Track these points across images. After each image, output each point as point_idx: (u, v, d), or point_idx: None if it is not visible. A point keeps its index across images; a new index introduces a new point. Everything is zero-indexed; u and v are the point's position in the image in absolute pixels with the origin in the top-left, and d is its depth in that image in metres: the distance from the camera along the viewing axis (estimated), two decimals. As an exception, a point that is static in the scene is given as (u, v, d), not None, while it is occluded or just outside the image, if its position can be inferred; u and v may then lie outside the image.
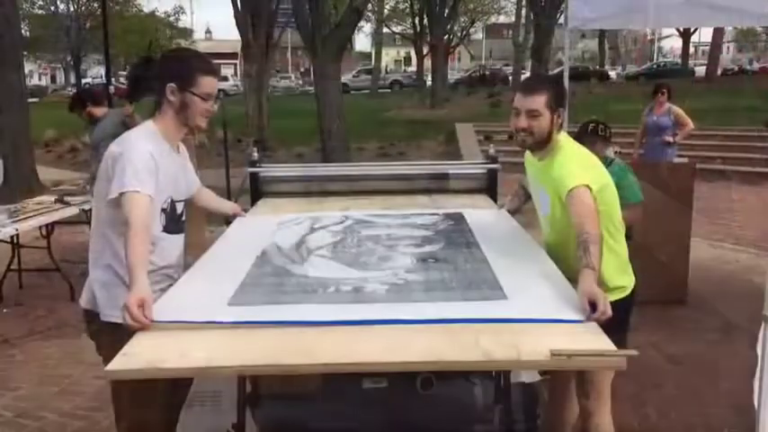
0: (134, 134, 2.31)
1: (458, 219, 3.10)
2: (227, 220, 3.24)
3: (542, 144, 2.46)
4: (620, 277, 2.57)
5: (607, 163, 3.51)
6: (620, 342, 2.08)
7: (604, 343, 1.67)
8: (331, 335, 1.73)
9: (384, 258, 2.49)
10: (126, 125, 5.27)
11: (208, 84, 2.30)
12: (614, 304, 2.33)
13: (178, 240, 2.45)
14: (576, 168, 2.37)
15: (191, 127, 2.37)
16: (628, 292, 2.60)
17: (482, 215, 3.17)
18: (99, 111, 5.70)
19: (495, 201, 3.60)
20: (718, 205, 9.49)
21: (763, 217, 8.60)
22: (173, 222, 2.38)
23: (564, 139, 2.50)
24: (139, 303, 1.79)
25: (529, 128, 2.41)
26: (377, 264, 2.42)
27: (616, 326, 1.94)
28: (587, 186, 2.30)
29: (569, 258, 2.29)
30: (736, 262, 6.53)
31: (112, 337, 1.93)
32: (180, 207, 2.43)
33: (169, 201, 2.35)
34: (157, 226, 2.29)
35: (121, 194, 2.11)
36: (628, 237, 3.68)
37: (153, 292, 1.97)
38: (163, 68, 2.35)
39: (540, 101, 2.39)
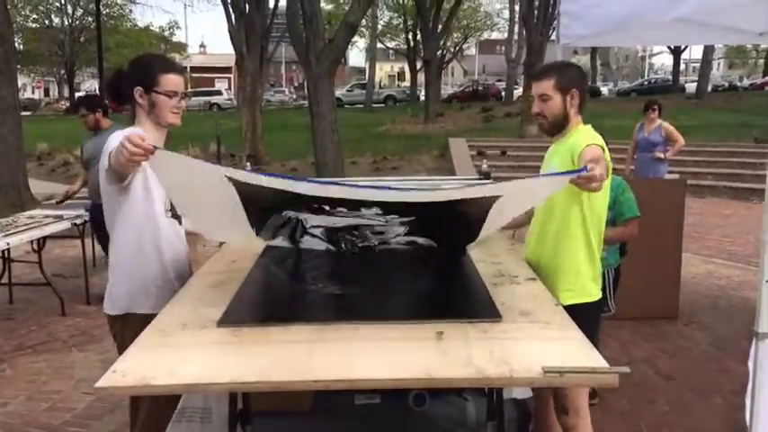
0: (127, 130, 2.35)
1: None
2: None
3: (560, 126, 2.56)
4: (594, 287, 2.59)
5: None
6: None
7: (596, 360, 1.67)
8: (323, 350, 1.73)
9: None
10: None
11: (170, 81, 2.39)
12: (586, 306, 2.40)
13: (181, 231, 2.55)
14: (594, 138, 2.46)
15: (164, 126, 2.44)
16: (596, 298, 2.60)
17: None
18: (106, 122, 5.57)
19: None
20: (709, 221, 9.55)
21: (754, 232, 8.65)
22: (173, 213, 2.48)
23: (583, 125, 2.58)
24: (140, 137, 1.88)
25: (541, 111, 2.55)
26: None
27: (589, 327, 2.00)
28: (602, 148, 2.39)
29: (556, 239, 2.49)
30: (727, 277, 6.56)
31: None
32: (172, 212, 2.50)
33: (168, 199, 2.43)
34: (162, 212, 2.42)
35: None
36: (622, 252, 3.72)
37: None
38: (128, 75, 2.42)
39: (547, 84, 2.51)
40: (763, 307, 2.56)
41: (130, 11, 35.42)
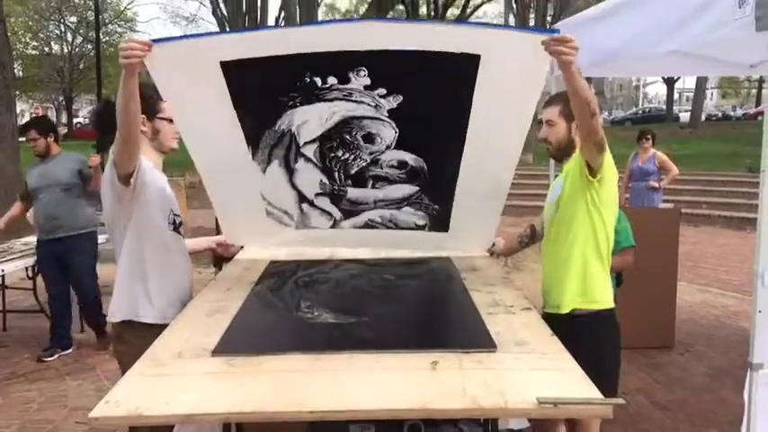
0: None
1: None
2: (216, 260, 3.26)
3: (565, 151, 2.64)
4: (606, 296, 2.63)
5: None
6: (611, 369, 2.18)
7: (591, 391, 1.67)
8: (318, 380, 1.73)
9: None
10: (82, 176, 5.02)
11: (170, 107, 2.50)
12: (597, 316, 2.42)
13: (184, 247, 2.65)
14: None
15: (165, 151, 2.55)
16: (607, 306, 2.63)
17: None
18: (56, 148, 5.10)
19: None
20: (703, 250, 9.58)
21: (749, 262, 8.65)
22: (177, 229, 2.58)
23: None
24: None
25: (547, 137, 2.65)
26: None
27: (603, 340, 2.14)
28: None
29: (566, 247, 2.53)
30: (723, 307, 6.56)
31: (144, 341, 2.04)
32: (179, 220, 2.60)
33: (170, 211, 2.54)
34: (166, 225, 2.51)
35: None
36: (618, 282, 3.72)
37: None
38: None
39: (553, 111, 2.62)
40: (757, 338, 2.57)
41: (130, 38, 35.74)
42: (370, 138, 2.65)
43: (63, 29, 34.86)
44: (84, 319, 5.47)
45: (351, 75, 2.43)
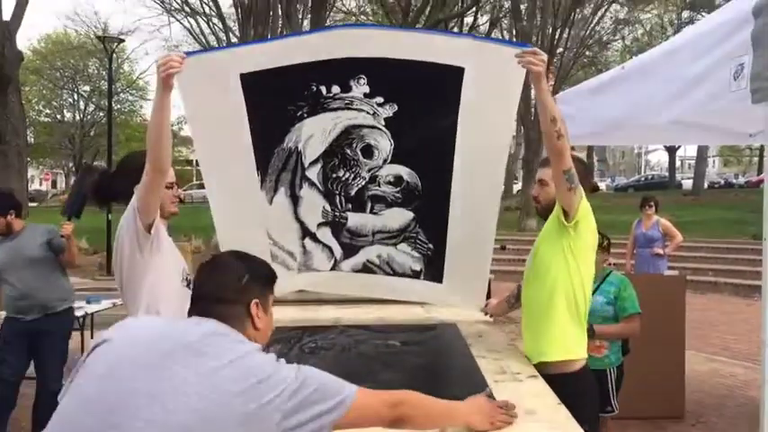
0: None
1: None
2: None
3: (552, 211, 2.62)
4: (579, 348, 2.59)
5: (606, 273, 3.57)
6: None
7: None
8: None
9: None
10: (53, 247, 4.60)
11: (169, 174, 2.53)
12: (570, 374, 2.48)
13: None
14: None
15: (166, 216, 2.59)
16: (579, 357, 2.58)
17: None
18: (19, 224, 4.66)
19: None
20: (711, 317, 9.47)
21: (758, 330, 8.54)
22: (189, 285, 2.58)
23: None
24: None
25: (537, 195, 2.72)
26: None
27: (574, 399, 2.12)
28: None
29: (544, 294, 2.55)
30: (732, 376, 6.45)
31: None
32: (190, 278, 2.61)
33: (183, 269, 2.60)
34: (180, 281, 2.55)
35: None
36: (625, 350, 3.69)
37: None
38: (126, 175, 2.51)
39: (546, 172, 2.64)
40: (766, 409, 2.53)
41: (141, 106, 36.61)
42: (368, 150, 2.82)
43: (76, 97, 35.68)
44: (36, 413, 4.56)
45: (352, 83, 2.66)
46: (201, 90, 2.61)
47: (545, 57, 2.34)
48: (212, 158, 2.86)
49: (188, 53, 2.46)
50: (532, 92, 21.45)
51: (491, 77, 2.53)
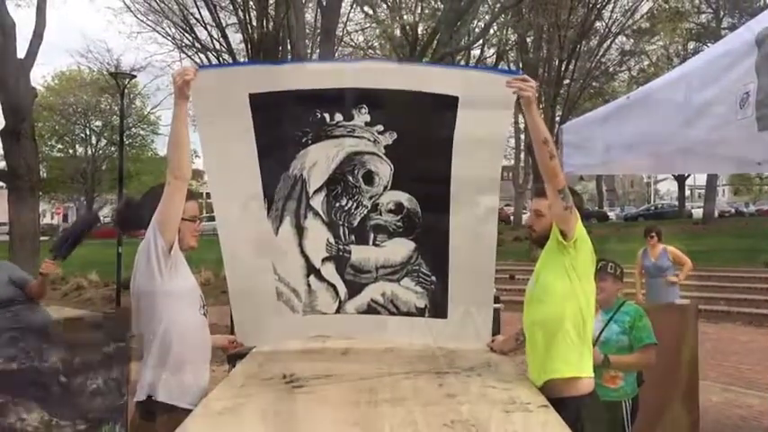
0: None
1: None
2: (229, 357, 3.25)
3: (547, 238, 2.67)
4: (585, 367, 2.59)
5: (620, 303, 3.54)
6: None
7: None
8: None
9: None
10: (16, 283, 4.26)
11: (191, 208, 2.62)
12: (576, 397, 2.49)
13: (208, 334, 2.73)
14: None
15: (184, 249, 2.61)
16: (585, 375, 2.59)
17: None
18: None
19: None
20: (725, 347, 9.35)
21: (773, 359, 8.45)
22: (205, 314, 2.66)
23: None
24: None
25: (533, 225, 2.75)
26: None
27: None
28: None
29: (553, 315, 2.56)
30: (748, 406, 6.34)
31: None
32: (206, 307, 2.69)
33: (200, 296, 2.63)
34: (198, 309, 2.60)
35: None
36: (639, 381, 3.63)
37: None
38: (150, 205, 2.55)
39: (543, 203, 2.68)
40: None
41: (152, 141, 36.99)
42: (369, 177, 2.88)
43: (88, 132, 36.09)
44: None
45: (354, 111, 2.76)
46: (211, 105, 2.69)
47: (534, 83, 2.44)
48: (220, 179, 2.91)
49: (201, 66, 2.56)
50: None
51: (483, 104, 2.63)
